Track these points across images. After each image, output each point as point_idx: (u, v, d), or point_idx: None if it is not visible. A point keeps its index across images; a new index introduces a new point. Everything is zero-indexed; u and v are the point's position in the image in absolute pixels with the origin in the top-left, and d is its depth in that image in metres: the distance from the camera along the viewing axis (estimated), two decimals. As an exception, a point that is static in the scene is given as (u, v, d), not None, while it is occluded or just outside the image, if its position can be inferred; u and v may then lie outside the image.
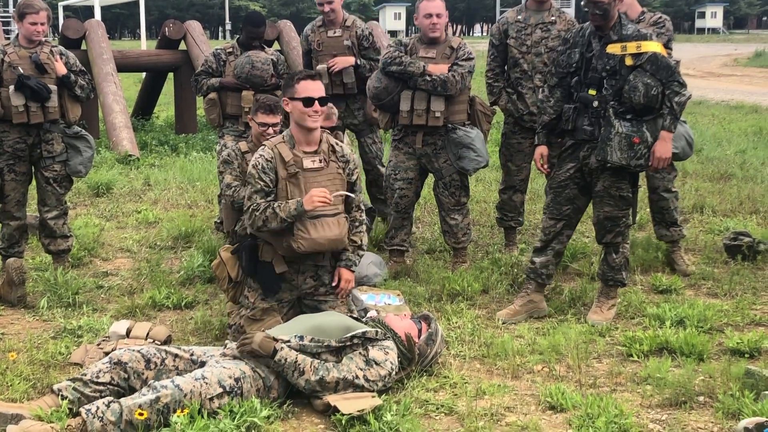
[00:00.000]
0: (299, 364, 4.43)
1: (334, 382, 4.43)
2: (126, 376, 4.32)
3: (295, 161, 5.10)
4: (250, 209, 5.08)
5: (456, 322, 5.72)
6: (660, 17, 6.84)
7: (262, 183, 5.07)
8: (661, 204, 7.01)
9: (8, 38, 12.56)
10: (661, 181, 6.95)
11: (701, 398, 4.53)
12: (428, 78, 6.54)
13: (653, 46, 5.54)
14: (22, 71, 6.53)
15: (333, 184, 5.19)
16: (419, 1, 6.74)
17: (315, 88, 5.13)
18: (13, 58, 6.59)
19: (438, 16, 6.63)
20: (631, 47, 5.54)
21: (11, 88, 6.52)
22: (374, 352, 4.61)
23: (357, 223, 5.40)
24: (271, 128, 6.25)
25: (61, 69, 6.69)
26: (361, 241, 5.42)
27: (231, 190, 6.34)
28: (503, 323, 5.75)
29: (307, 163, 5.12)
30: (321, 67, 7.63)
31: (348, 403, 4.32)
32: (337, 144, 5.29)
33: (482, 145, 6.77)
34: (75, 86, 6.75)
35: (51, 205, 6.87)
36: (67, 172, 6.87)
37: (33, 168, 6.86)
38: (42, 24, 6.58)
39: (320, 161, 5.17)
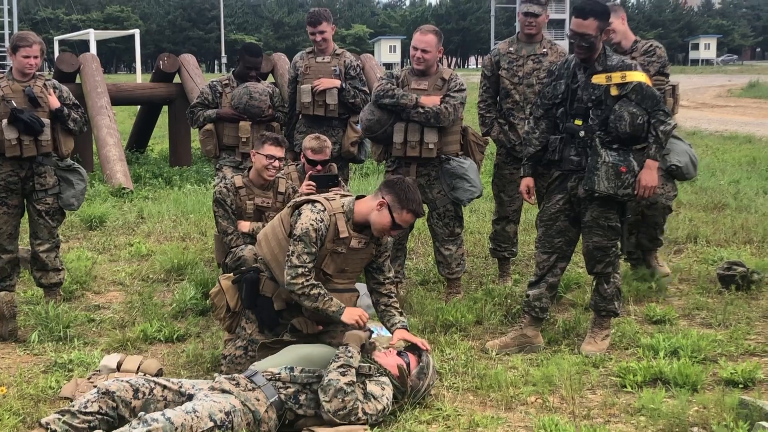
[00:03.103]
0: (349, 369, 4.54)
1: (342, 405, 4.42)
2: (114, 404, 4.28)
3: (345, 241, 5.05)
4: (301, 275, 4.92)
5: (449, 354, 5.69)
6: (650, 45, 6.92)
7: (315, 248, 4.96)
8: (656, 220, 7.06)
9: (2, 72, 12.57)
10: (660, 197, 6.94)
11: (695, 429, 4.50)
12: (421, 110, 6.55)
13: (638, 76, 5.57)
14: (15, 104, 6.53)
15: (362, 261, 5.21)
16: (415, 31, 6.76)
17: (412, 221, 5.23)
18: (6, 91, 6.60)
19: (424, 51, 6.63)
20: (616, 77, 5.56)
21: (4, 121, 6.52)
22: (371, 387, 4.61)
23: (393, 295, 5.39)
24: (277, 161, 6.33)
25: (55, 102, 6.69)
26: (399, 306, 5.46)
27: (228, 238, 6.39)
28: (496, 354, 5.72)
29: (354, 243, 5.09)
30: (305, 86, 7.67)
31: (339, 436, 4.29)
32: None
33: (476, 175, 6.78)
34: (68, 120, 6.75)
35: (43, 238, 6.85)
36: (59, 205, 6.86)
37: (25, 201, 6.85)
38: (35, 57, 6.59)
39: (365, 243, 5.14)
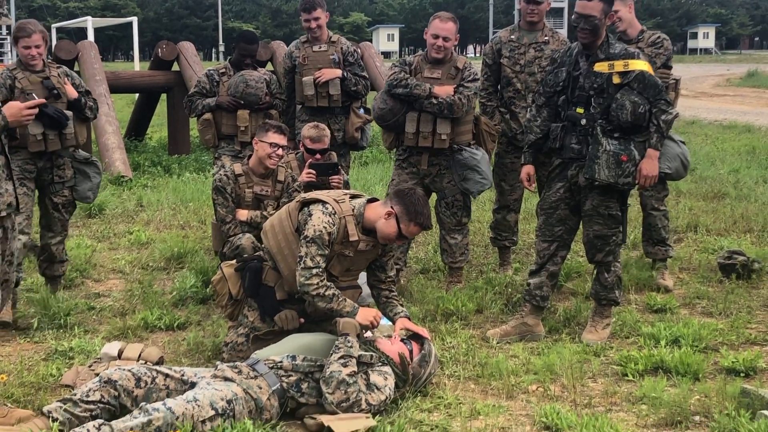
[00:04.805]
0: (350, 360, 4.53)
1: (345, 397, 4.41)
2: (116, 393, 4.27)
3: (354, 244, 5.05)
4: (315, 275, 4.91)
5: (450, 342, 5.69)
6: (659, 37, 6.90)
7: (327, 250, 4.96)
8: (650, 221, 7.05)
9: (1, 60, 12.53)
10: (650, 199, 6.98)
11: (697, 418, 4.50)
12: (435, 101, 6.51)
13: (640, 65, 5.55)
14: (36, 98, 6.39)
15: (367, 261, 5.24)
16: (433, 18, 6.70)
17: (418, 233, 5.24)
18: (24, 84, 6.40)
19: (445, 39, 6.57)
20: (619, 65, 5.54)
21: None
22: (374, 377, 4.61)
23: (393, 290, 5.41)
24: (280, 149, 6.31)
25: (72, 92, 6.56)
26: (400, 299, 5.50)
27: (226, 227, 6.37)
28: (497, 343, 5.72)
29: (362, 245, 5.09)
30: (307, 78, 7.63)
31: (342, 424, 4.29)
32: None
33: (487, 167, 6.76)
34: (85, 108, 6.65)
35: (56, 231, 6.72)
36: (74, 197, 6.78)
37: (39, 193, 6.69)
38: (36, 47, 6.38)
39: (373, 245, 5.15)
